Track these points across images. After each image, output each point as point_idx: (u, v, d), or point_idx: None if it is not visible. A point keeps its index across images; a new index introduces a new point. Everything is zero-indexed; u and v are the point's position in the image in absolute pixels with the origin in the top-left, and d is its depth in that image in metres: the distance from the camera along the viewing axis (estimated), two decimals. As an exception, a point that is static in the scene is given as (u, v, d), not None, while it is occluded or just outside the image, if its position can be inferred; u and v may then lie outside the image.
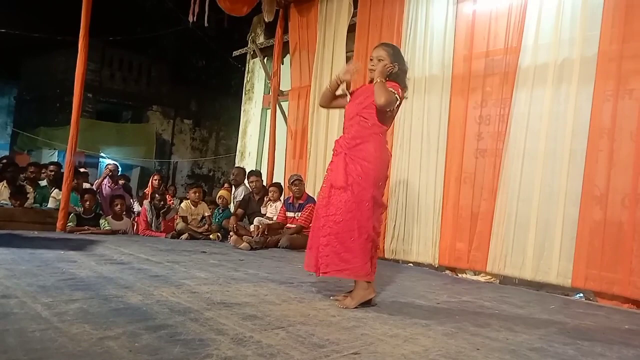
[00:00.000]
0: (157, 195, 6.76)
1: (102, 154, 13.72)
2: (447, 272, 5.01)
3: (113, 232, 6.04)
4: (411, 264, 5.31)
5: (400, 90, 2.94)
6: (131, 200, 7.60)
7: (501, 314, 3.06)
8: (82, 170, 7.63)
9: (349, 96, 3.13)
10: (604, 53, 4.12)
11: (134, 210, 7.37)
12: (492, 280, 4.64)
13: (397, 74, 2.99)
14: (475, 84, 4.98)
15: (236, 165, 8.75)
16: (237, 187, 7.30)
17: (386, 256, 5.42)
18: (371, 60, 3.02)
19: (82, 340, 1.81)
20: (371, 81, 3.04)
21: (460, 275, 4.91)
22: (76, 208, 6.14)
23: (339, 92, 3.16)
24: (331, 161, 3.07)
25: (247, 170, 7.44)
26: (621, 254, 3.90)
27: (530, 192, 4.44)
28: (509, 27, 4.71)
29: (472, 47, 5.01)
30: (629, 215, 3.90)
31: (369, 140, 2.92)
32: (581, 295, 4.21)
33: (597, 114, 4.11)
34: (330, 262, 2.84)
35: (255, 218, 6.20)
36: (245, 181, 7.18)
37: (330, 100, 3.18)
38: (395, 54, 3.03)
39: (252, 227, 6.08)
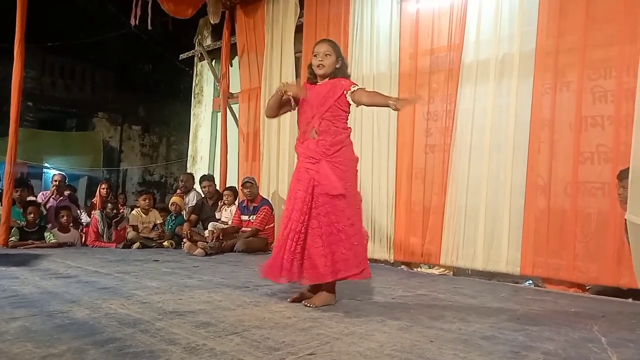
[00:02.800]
0: (109, 204, 6.54)
1: (46, 165, 13.16)
2: (403, 267, 5.08)
3: (59, 245, 5.81)
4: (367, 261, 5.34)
5: (354, 83, 2.97)
6: (78, 211, 7.31)
7: (455, 305, 3.13)
8: (29, 182, 7.28)
9: (293, 102, 3.09)
10: (541, 48, 4.28)
11: (82, 221, 7.10)
12: (445, 272, 4.74)
13: (340, 69, 3.01)
14: (421, 80, 5.07)
15: (188, 170, 8.60)
16: (187, 193, 7.17)
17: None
18: (316, 56, 2.99)
19: (24, 361, 1.72)
20: (313, 81, 3.04)
21: (415, 269, 5.00)
22: (18, 222, 5.86)
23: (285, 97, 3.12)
24: (303, 168, 2.97)
25: (200, 175, 7.31)
26: (565, 241, 4.07)
27: (478, 185, 4.57)
28: (452, 24, 4.83)
29: (417, 44, 5.11)
30: (571, 202, 4.06)
31: (345, 145, 2.94)
32: (530, 282, 4.36)
33: (537, 106, 4.27)
34: (343, 267, 2.84)
35: (210, 223, 6.10)
36: (198, 186, 7.05)
37: (278, 110, 3.12)
38: (338, 50, 3.05)
39: (206, 233, 5.98)
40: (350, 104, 2.96)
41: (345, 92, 2.92)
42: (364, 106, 5.31)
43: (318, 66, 2.99)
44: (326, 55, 2.98)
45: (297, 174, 3.03)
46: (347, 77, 3.05)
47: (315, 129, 2.94)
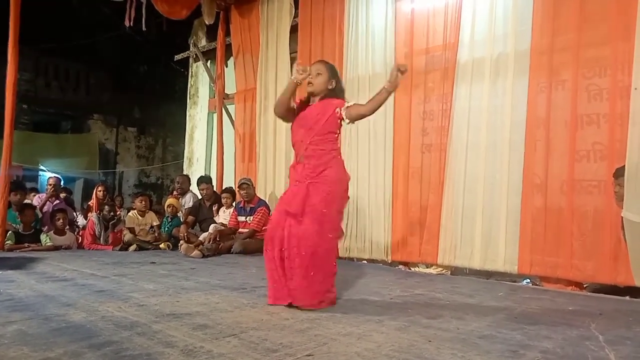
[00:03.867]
0: (106, 206, 6.52)
1: (41, 167, 13.10)
2: (400, 266, 5.08)
3: (56, 248, 5.78)
4: (365, 261, 5.36)
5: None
6: (74, 213, 7.28)
7: (452, 304, 3.13)
8: (29, 188, 7.23)
9: (293, 104, 3.08)
10: (536, 47, 4.29)
11: (78, 224, 7.07)
12: (443, 271, 4.75)
13: (335, 91, 2.98)
14: (417, 80, 5.07)
15: (184, 172, 8.58)
16: (183, 195, 7.16)
17: (340, 255, 5.43)
18: (310, 74, 2.96)
19: (20, 365, 1.71)
20: (307, 100, 3.02)
21: (412, 269, 4.99)
22: (14, 225, 5.83)
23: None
24: (289, 189, 2.99)
25: (197, 177, 7.30)
26: (562, 239, 4.08)
27: (474, 184, 4.57)
28: (447, 23, 4.83)
29: (413, 44, 5.11)
30: (567, 200, 4.07)
31: (331, 166, 2.90)
32: (528, 280, 4.37)
33: (532, 105, 4.28)
34: (297, 295, 2.77)
35: (211, 225, 6.07)
36: (194, 188, 7.04)
37: (288, 106, 3.04)
38: (333, 71, 3.03)
39: (204, 235, 5.96)
40: (341, 124, 2.93)
41: (338, 109, 2.88)
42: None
43: (308, 84, 2.96)
44: (318, 74, 2.97)
45: (282, 195, 3.05)
46: (342, 99, 2.99)
47: (303, 153, 2.94)
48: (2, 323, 2.25)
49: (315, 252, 2.77)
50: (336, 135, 2.97)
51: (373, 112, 2.90)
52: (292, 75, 2.94)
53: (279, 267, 2.84)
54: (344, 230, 5.40)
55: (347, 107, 2.88)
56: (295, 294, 2.78)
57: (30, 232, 5.84)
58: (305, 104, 3.05)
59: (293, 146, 3.06)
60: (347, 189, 3.03)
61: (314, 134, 2.90)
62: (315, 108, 2.98)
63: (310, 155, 2.90)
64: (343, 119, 2.89)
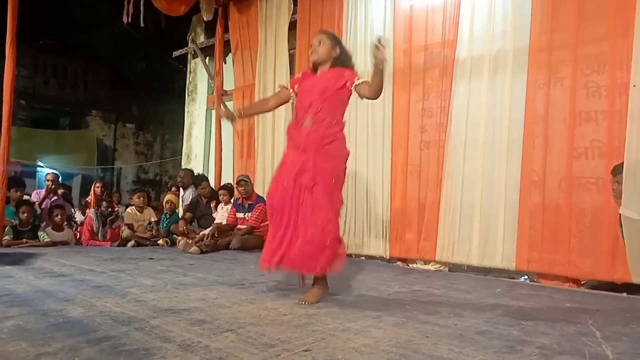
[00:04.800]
0: (104, 202, 6.51)
1: (39, 163, 13.09)
2: (398, 263, 5.08)
3: (54, 244, 5.78)
4: (363, 258, 5.36)
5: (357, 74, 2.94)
6: (72, 209, 7.28)
7: (450, 300, 3.13)
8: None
9: (291, 90, 3.08)
10: (534, 44, 4.29)
11: (76, 220, 7.06)
12: (441, 268, 4.75)
13: (341, 59, 2.97)
14: (416, 77, 5.07)
15: (182, 166, 8.57)
16: (184, 189, 7.14)
17: (338, 251, 5.44)
18: (311, 46, 2.98)
19: (18, 359, 1.71)
20: (315, 68, 3.02)
21: (411, 265, 5.00)
22: (12, 221, 5.82)
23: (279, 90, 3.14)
24: (291, 155, 2.96)
25: (195, 173, 7.30)
26: (560, 236, 4.08)
27: (473, 181, 4.57)
28: (445, 20, 4.83)
29: (411, 41, 5.10)
30: (566, 197, 4.07)
31: (337, 139, 2.90)
32: (525, 277, 4.38)
33: (531, 102, 4.27)
34: (305, 263, 2.83)
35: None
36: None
37: (264, 109, 3.18)
38: (336, 39, 3.03)
39: (203, 232, 5.97)
40: (350, 96, 2.93)
41: (349, 84, 2.88)
42: (358, 101, 5.36)
43: (311, 53, 2.97)
44: (320, 42, 2.96)
45: (284, 159, 3.03)
46: (351, 67, 3.00)
47: (310, 118, 2.90)
48: (0, 318, 2.25)
49: (329, 221, 2.80)
50: (345, 107, 2.96)
51: (379, 96, 2.88)
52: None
53: (284, 234, 2.86)
54: (343, 227, 5.47)
55: (358, 84, 2.86)
56: (307, 262, 2.81)
57: (29, 228, 5.83)
58: (313, 72, 3.04)
59: (296, 110, 3.02)
60: (346, 162, 3.03)
61: (325, 99, 2.88)
62: (326, 74, 2.96)
63: (319, 122, 2.87)
64: (352, 92, 2.89)
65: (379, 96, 2.89)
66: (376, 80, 2.79)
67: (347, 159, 3.02)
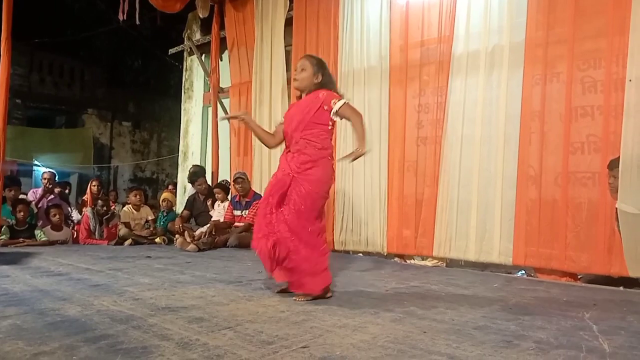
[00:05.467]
0: (100, 201, 6.50)
1: (35, 162, 13.04)
2: (396, 259, 5.09)
3: (51, 243, 5.77)
4: (361, 254, 5.37)
5: (336, 95, 2.96)
6: (69, 208, 7.26)
7: (447, 296, 3.14)
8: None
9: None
10: (531, 39, 4.29)
11: (73, 218, 7.05)
12: (438, 264, 4.76)
13: (322, 84, 2.99)
14: (412, 73, 5.06)
15: (179, 165, 8.57)
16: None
17: (336, 248, 5.45)
18: (294, 71, 3.03)
19: (15, 358, 1.71)
20: (299, 96, 3.07)
21: (408, 261, 5.01)
22: (8, 220, 5.81)
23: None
24: (275, 175, 3.01)
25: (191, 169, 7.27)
26: (557, 230, 4.09)
27: (469, 177, 4.58)
28: (441, 16, 4.82)
29: (408, 37, 5.10)
30: (562, 192, 4.09)
31: (318, 165, 2.89)
32: (522, 272, 4.39)
33: (527, 98, 4.28)
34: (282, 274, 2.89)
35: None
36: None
37: (265, 134, 3.16)
38: (319, 65, 3.03)
39: (200, 230, 5.96)
40: (330, 117, 2.92)
41: (325, 107, 2.89)
42: (355, 98, 5.34)
43: (293, 80, 3.03)
44: (302, 70, 2.99)
45: (273, 177, 3.05)
46: (335, 90, 3.02)
47: (292, 147, 2.97)
48: (-4, 317, 2.24)
49: (298, 244, 2.82)
50: (328, 129, 2.95)
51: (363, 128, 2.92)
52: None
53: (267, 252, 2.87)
54: (341, 224, 5.47)
55: (337, 110, 2.88)
56: (290, 277, 2.86)
57: (25, 227, 5.82)
58: (299, 98, 3.09)
59: (284, 136, 3.07)
60: (329, 190, 3.02)
61: (303, 127, 2.91)
62: (304, 101, 3.01)
63: (300, 150, 2.91)
64: (331, 112, 2.90)
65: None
66: (358, 129, 2.89)
67: (329, 184, 2.99)
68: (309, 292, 2.83)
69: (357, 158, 2.85)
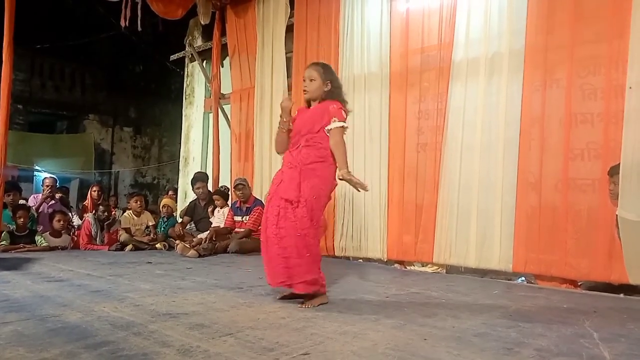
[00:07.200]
0: (100, 206, 6.50)
1: (36, 167, 13.06)
2: (396, 265, 5.09)
3: (51, 249, 5.76)
4: (361, 260, 5.36)
5: (344, 110, 3.02)
6: (70, 214, 7.26)
7: (448, 302, 3.14)
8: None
9: (291, 125, 3.13)
10: (530, 45, 4.31)
11: (74, 224, 7.05)
12: (438, 270, 4.76)
13: (331, 92, 3.04)
14: (412, 79, 5.08)
15: (180, 171, 8.59)
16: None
17: (336, 254, 5.45)
18: (304, 81, 3.07)
19: (16, 365, 1.71)
20: (308, 104, 3.11)
21: (408, 267, 5.00)
22: (9, 226, 5.81)
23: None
24: (281, 171, 3.06)
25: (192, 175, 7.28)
26: (557, 237, 4.09)
27: (469, 183, 4.58)
28: (441, 23, 4.84)
29: (408, 43, 5.11)
30: (562, 199, 4.09)
31: (324, 162, 2.96)
32: (523, 279, 4.39)
33: (527, 103, 4.29)
34: (282, 273, 2.87)
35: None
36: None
37: (287, 141, 3.14)
38: (327, 72, 3.09)
39: (201, 235, 5.96)
40: (325, 132, 2.99)
41: (328, 121, 2.97)
42: (355, 104, 5.34)
43: (304, 92, 3.09)
44: (311, 80, 3.04)
45: (274, 178, 3.12)
46: (343, 99, 3.08)
47: (297, 147, 3.02)
48: (-3, 324, 2.25)
49: (307, 235, 2.85)
50: None
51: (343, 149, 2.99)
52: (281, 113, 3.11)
53: (272, 248, 2.91)
54: (341, 230, 5.47)
55: (330, 129, 2.95)
56: (292, 272, 2.85)
57: (25, 232, 5.82)
58: (307, 107, 3.14)
59: (291, 139, 3.10)
60: (331, 192, 3.08)
61: (313, 134, 2.99)
62: (314, 110, 3.06)
63: (306, 146, 2.98)
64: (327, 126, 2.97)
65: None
66: (338, 155, 2.95)
67: (331, 186, 3.05)
68: (308, 291, 2.85)
69: (344, 179, 2.91)
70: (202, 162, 8.26)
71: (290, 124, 3.11)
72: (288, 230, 2.85)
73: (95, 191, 7.50)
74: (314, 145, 2.97)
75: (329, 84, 3.04)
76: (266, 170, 6.48)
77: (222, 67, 7.69)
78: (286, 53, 6.42)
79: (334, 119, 2.95)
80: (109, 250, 6.06)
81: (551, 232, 4.12)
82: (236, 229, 6.10)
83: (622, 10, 3.83)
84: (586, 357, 1.97)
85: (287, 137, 3.12)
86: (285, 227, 2.86)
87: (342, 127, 2.98)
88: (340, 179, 2.94)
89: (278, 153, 3.30)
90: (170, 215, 6.94)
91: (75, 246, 6.25)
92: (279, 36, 6.50)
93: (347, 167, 2.93)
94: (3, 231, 5.63)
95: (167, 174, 16.27)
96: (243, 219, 6.09)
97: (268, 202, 3.05)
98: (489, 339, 2.20)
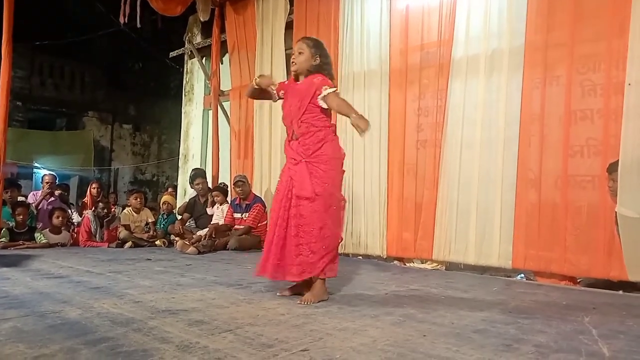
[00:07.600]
0: (100, 203, 6.50)
1: (36, 164, 13.05)
2: (396, 262, 5.10)
3: (50, 246, 5.77)
4: (361, 257, 5.37)
5: (329, 82, 2.98)
6: (69, 211, 7.26)
7: (447, 299, 3.14)
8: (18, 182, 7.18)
9: (275, 94, 3.13)
10: (530, 43, 4.30)
11: (73, 221, 7.05)
12: (438, 267, 4.77)
13: (320, 66, 3.02)
14: (412, 76, 5.08)
15: (180, 168, 8.58)
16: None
17: (336, 251, 5.45)
18: (292, 54, 3.05)
19: (15, 361, 1.71)
20: (296, 78, 3.08)
21: (408, 264, 5.01)
22: (8, 223, 5.81)
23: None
24: (287, 167, 3.06)
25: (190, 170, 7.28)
26: (556, 234, 4.10)
27: (469, 180, 4.58)
28: (441, 20, 4.84)
29: (407, 40, 5.11)
30: (562, 196, 4.09)
31: (327, 141, 2.95)
32: (522, 275, 4.39)
33: (527, 101, 4.29)
34: (305, 269, 2.89)
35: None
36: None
37: (257, 96, 3.25)
38: (316, 46, 3.05)
39: (200, 233, 5.97)
40: (320, 104, 2.96)
41: (317, 91, 2.93)
42: (355, 100, 5.34)
43: (292, 63, 3.06)
44: (299, 53, 3.02)
45: (281, 174, 3.13)
46: (330, 74, 3.05)
47: (295, 132, 3.00)
48: (-3, 320, 2.25)
49: (323, 227, 2.87)
50: (327, 110, 2.99)
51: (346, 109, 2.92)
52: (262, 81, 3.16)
53: (277, 244, 2.92)
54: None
55: (324, 96, 2.91)
56: (305, 268, 2.87)
57: (25, 229, 5.82)
58: (295, 80, 3.10)
59: (284, 122, 3.11)
60: (342, 164, 3.08)
61: (303, 112, 2.95)
62: (302, 85, 3.03)
63: (304, 133, 2.96)
64: (319, 96, 2.93)
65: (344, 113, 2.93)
66: (344, 110, 2.89)
67: (342, 160, 3.06)
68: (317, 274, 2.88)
69: (359, 128, 2.74)
70: (201, 159, 8.25)
71: (274, 89, 3.12)
72: (301, 229, 2.87)
73: (94, 188, 7.50)
74: (308, 132, 2.94)
75: (318, 58, 3.01)
76: (266, 167, 6.48)
77: (222, 64, 7.68)
78: (285, 50, 6.41)
79: (324, 87, 2.91)
80: (108, 247, 6.07)
81: (551, 228, 4.13)
82: (236, 226, 6.11)
83: (622, 8, 3.83)
84: (585, 353, 1.97)
85: (259, 91, 3.16)
86: (299, 225, 2.88)
87: (335, 92, 2.94)
88: (354, 125, 2.76)
89: (247, 96, 3.42)
90: (170, 212, 6.94)
91: (75, 243, 6.26)
92: (278, 33, 6.49)
93: (356, 112, 2.80)
94: (2, 228, 5.63)
95: (167, 171, 16.28)
96: (242, 215, 6.09)
97: (278, 202, 3.01)
98: (488, 335, 2.21)
